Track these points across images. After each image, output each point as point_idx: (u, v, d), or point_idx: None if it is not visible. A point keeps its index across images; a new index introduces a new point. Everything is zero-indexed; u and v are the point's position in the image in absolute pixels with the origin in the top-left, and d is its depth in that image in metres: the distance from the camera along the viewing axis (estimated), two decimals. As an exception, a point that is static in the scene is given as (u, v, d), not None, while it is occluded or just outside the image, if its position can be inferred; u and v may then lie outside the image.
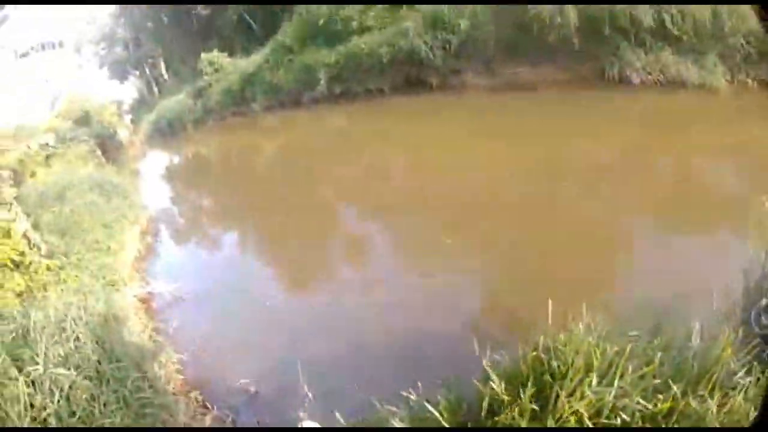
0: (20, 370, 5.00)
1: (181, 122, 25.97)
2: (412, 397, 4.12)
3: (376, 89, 18.59)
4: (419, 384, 4.23)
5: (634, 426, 3.49)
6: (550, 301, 4.08)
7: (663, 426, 3.48)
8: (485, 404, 3.78)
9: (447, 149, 12.46)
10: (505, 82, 15.26)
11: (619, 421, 3.51)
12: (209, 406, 6.09)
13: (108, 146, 17.40)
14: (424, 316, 6.73)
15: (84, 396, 5.14)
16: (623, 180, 9.65)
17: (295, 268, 9.90)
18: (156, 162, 23.77)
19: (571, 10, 13.78)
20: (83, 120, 16.82)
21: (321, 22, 20.34)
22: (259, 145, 19.65)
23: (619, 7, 13.32)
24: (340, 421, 4.25)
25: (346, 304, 7.70)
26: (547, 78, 14.43)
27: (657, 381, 3.71)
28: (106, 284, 8.73)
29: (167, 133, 26.23)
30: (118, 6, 34.70)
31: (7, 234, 7.31)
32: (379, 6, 18.40)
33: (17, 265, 7.19)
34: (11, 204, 7.53)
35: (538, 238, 8.09)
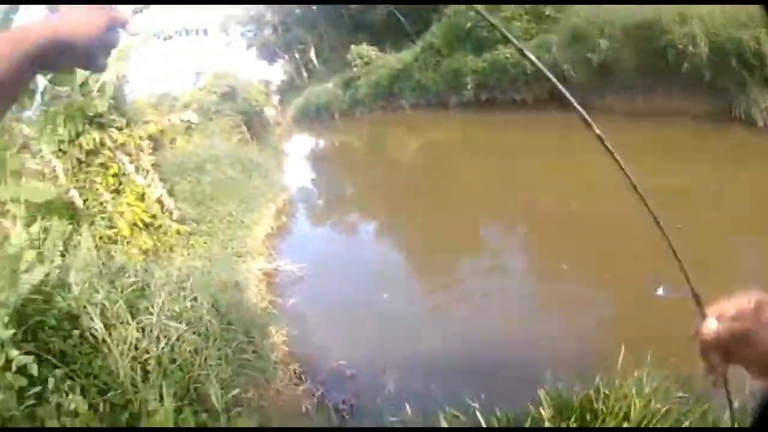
0: (133, 317, 5.19)
1: (328, 110, 26.81)
2: (475, 405, 4.13)
3: (521, 100, 18.07)
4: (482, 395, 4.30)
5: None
6: (623, 346, 4.22)
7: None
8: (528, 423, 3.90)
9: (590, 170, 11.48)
10: (640, 108, 13.98)
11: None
12: (303, 379, 6.11)
13: (253, 123, 17.95)
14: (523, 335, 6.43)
15: (188, 348, 5.27)
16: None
17: (420, 265, 9.80)
18: (301, 145, 24.70)
19: (701, 38, 12.29)
20: (229, 95, 17.48)
21: (467, 26, 20.08)
22: (404, 141, 19.78)
23: (745, 37, 11.55)
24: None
25: (459, 311, 7.47)
26: (680, 109, 12.97)
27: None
28: (233, 254, 9.05)
29: (314, 118, 27.19)
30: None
31: (141, 198, 7.70)
32: (525, 16, 17.85)
33: (147, 226, 7.56)
34: (148, 171, 7.95)
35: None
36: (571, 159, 10.98)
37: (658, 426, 3.68)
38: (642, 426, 3.69)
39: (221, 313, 6.17)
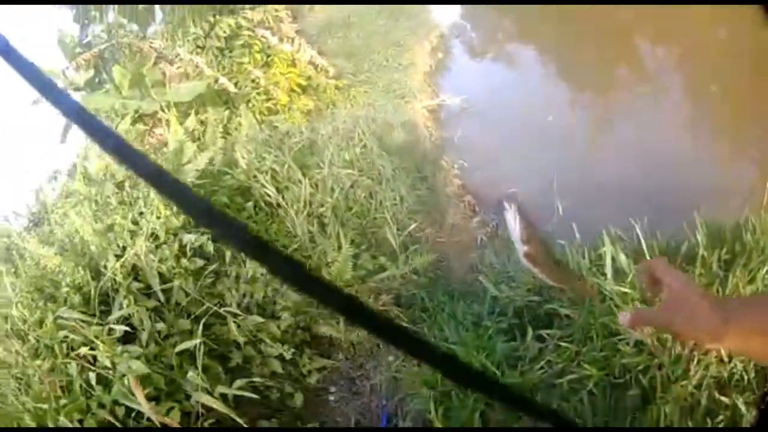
0: (305, 175, 5.37)
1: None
2: (637, 228, 3.93)
3: None
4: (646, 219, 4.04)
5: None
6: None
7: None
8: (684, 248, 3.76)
9: None
10: None
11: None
12: (477, 210, 6.03)
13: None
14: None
15: (363, 194, 5.43)
16: None
17: (581, 83, 9.09)
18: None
19: None
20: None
21: None
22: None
23: None
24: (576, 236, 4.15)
25: (622, 132, 7.03)
26: None
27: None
28: (395, 98, 8.98)
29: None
30: None
31: (293, 64, 7.71)
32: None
33: (304, 90, 7.63)
34: (293, 38, 7.88)
35: None
36: None
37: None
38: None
39: (392, 154, 6.18)
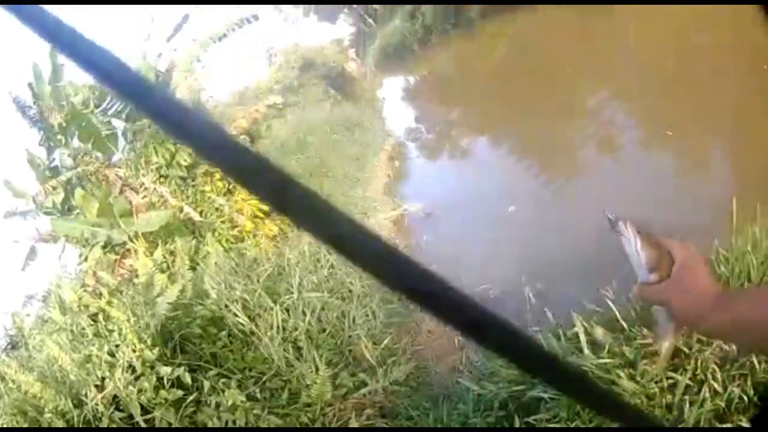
0: (275, 302, 5.37)
1: (405, 45, 26.08)
2: (609, 296, 4.06)
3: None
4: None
5: None
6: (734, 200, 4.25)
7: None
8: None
9: None
10: None
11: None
12: None
13: (339, 84, 17.92)
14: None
15: (334, 315, 5.43)
16: None
17: (534, 167, 9.40)
18: (392, 87, 24.36)
19: None
20: (306, 66, 17.47)
21: None
22: (485, 54, 18.72)
23: None
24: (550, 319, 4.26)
25: (580, 204, 7.09)
26: None
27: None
28: (358, 213, 9.12)
29: (395, 57, 26.60)
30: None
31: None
32: None
33: (267, 214, 7.75)
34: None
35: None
36: None
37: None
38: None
39: (358, 270, 6.18)
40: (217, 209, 7.45)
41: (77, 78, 7.55)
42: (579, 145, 9.50)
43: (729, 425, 3.01)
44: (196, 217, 7.18)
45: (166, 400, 4.06)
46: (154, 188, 7.20)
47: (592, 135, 9.65)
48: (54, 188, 7.20)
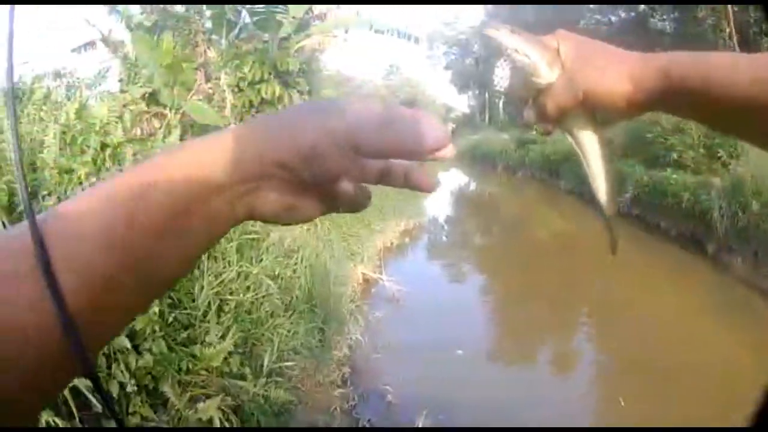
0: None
1: (494, 160, 26.51)
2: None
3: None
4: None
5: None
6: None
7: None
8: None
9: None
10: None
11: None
12: (348, 384, 6.01)
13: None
14: None
15: (267, 309, 5.48)
16: None
17: (507, 332, 9.29)
18: (454, 180, 24.69)
19: None
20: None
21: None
22: (550, 220, 18.81)
23: None
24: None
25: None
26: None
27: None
28: (346, 250, 9.23)
29: (478, 161, 27.00)
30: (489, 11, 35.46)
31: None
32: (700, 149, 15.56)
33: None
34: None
35: None
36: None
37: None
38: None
39: (312, 294, 6.38)
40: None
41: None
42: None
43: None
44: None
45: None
46: (224, 89, 7.15)
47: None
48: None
